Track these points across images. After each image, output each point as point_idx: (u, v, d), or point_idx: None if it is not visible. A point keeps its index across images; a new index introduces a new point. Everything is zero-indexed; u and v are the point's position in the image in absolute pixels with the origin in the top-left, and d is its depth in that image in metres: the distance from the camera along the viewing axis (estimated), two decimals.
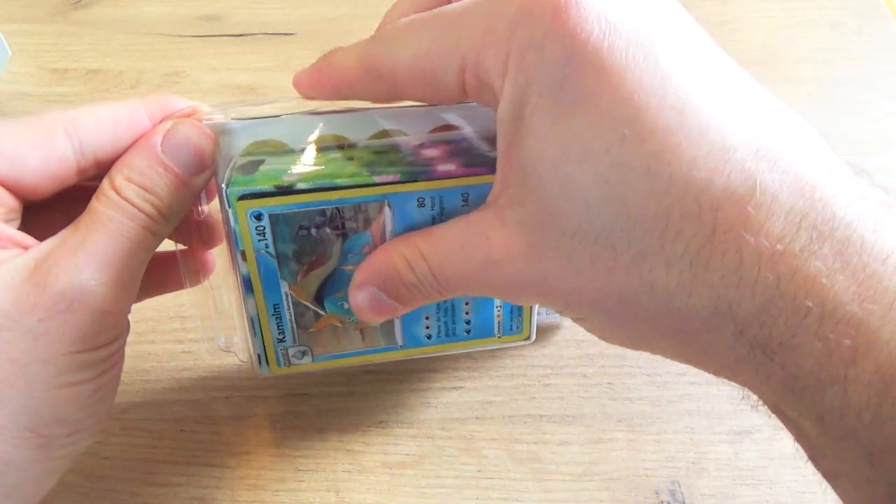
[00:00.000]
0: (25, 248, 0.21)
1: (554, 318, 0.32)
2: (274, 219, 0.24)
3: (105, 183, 0.21)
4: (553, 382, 0.32)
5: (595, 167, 0.17)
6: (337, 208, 0.24)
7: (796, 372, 0.16)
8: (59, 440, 0.21)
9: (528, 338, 0.29)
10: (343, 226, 0.24)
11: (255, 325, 0.26)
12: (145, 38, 0.47)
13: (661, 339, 0.19)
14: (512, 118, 0.19)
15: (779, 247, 0.16)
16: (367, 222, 0.24)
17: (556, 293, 0.20)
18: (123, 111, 0.22)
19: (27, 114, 0.42)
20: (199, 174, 0.22)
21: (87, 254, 0.20)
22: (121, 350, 0.23)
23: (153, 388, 0.31)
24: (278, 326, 0.26)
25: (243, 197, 0.23)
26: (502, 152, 0.20)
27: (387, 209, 0.24)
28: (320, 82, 0.23)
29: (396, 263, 0.22)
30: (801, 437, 0.18)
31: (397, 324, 0.27)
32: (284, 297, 0.25)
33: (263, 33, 0.47)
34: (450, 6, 0.20)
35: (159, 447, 0.30)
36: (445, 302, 0.27)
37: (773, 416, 0.19)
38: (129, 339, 0.33)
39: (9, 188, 0.21)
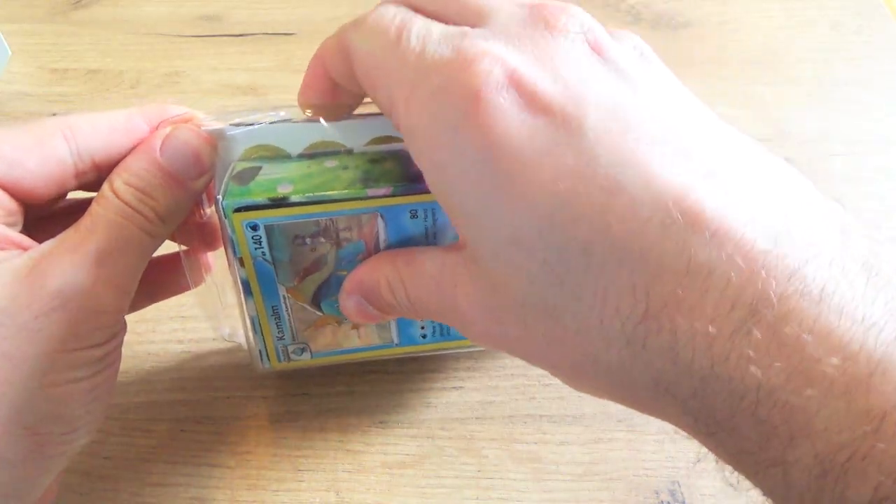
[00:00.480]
0: (25, 249, 0.21)
1: None
2: (269, 230, 0.24)
3: (105, 186, 0.22)
4: (553, 382, 0.32)
5: (531, 249, 0.18)
6: (331, 219, 0.24)
7: (738, 451, 0.16)
8: (55, 438, 0.21)
9: None
10: (337, 235, 0.25)
11: (255, 325, 0.27)
12: (145, 38, 0.47)
13: (620, 401, 0.19)
14: (435, 189, 0.20)
15: (711, 329, 0.16)
16: (361, 232, 0.25)
17: (518, 353, 0.21)
18: (121, 117, 0.23)
19: (27, 114, 0.42)
20: (197, 178, 0.23)
21: (84, 253, 0.21)
22: (117, 349, 0.23)
23: (153, 388, 0.31)
24: (277, 326, 0.27)
25: (238, 209, 0.23)
26: (442, 193, 0.21)
27: (380, 220, 0.24)
28: (314, 74, 0.24)
29: (379, 282, 0.24)
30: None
31: (393, 323, 0.28)
32: (282, 300, 0.26)
33: (263, 33, 0.47)
34: (406, 41, 0.20)
35: (159, 447, 0.30)
36: None
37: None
38: (129, 339, 0.33)
39: (8, 190, 0.21)
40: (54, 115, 0.42)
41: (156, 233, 0.22)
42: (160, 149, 0.22)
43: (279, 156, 0.24)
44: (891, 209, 0.38)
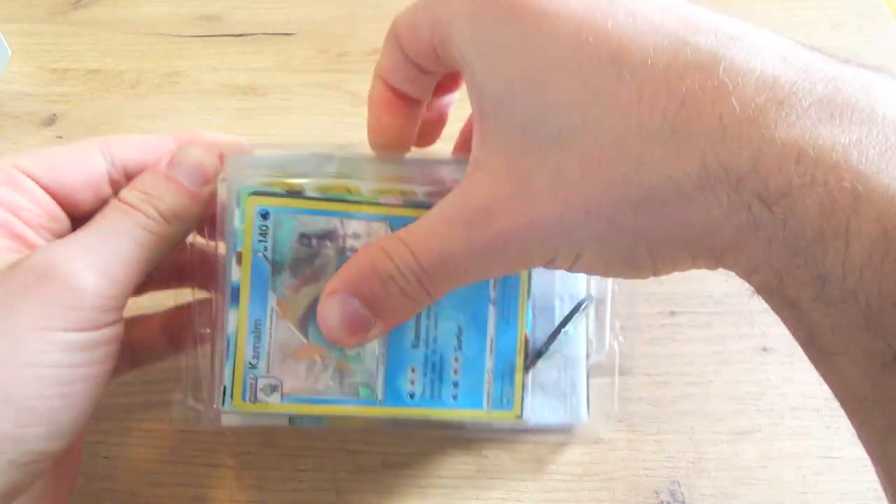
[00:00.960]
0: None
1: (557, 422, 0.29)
2: (278, 222, 0.24)
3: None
4: None
5: (565, 70, 0.18)
6: (340, 221, 0.24)
7: (799, 227, 0.16)
8: (32, 433, 0.20)
9: (520, 417, 0.26)
10: (344, 242, 0.25)
11: (229, 346, 0.24)
12: (145, 38, 0.47)
13: (660, 225, 0.18)
14: (472, 73, 0.20)
15: (757, 101, 0.16)
16: (368, 242, 0.25)
17: (549, 225, 0.19)
18: (153, 137, 0.25)
19: (27, 114, 0.42)
20: (201, 185, 0.24)
21: (74, 240, 0.21)
22: (103, 347, 0.21)
23: (153, 388, 0.31)
24: (254, 349, 0.25)
25: (254, 193, 0.24)
26: (475, 110, 0.21)
27: (388, 229, 0.25)
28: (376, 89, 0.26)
29: (373, 256, 0.21)
30: (798, 319, 0.17)
31: (380, 372, 0.25)
32: (269, 314, 0.25)
33: (263, 33, 0.47)
34: None
35: (159, 447, 0.30)
36: (435, 352, 0.26)
37: (792, 421, 0.18)
38: None
39: (53, 195, 0.23)
40: (54, 115, 0.42)
41: (156, 230, 0.22)
42: (168, 162, 0.24)
43: (292, 189, 0.25)
44: None
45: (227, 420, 0.26)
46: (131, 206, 0.22)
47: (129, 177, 0.24)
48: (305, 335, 0.25)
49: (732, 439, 0.30)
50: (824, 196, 0.15)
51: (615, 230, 0.18)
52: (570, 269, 0.20)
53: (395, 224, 0.25)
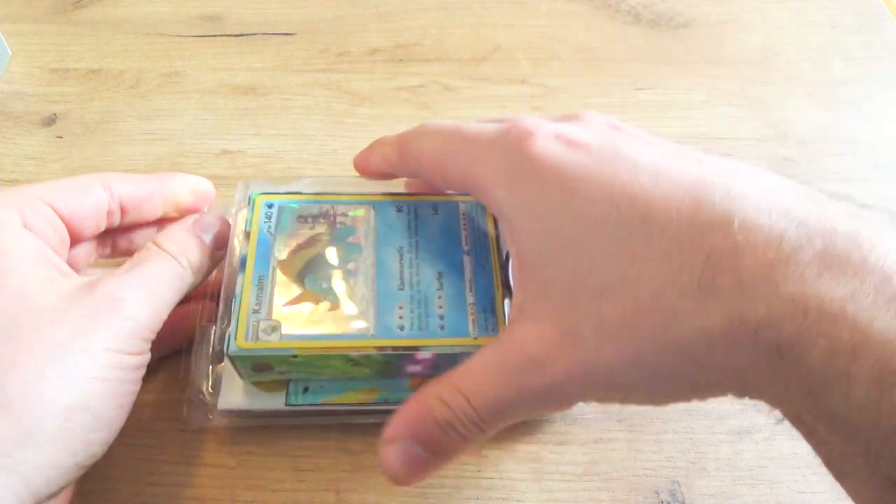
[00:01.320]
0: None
1: None
2: (281, 209, 0.30)
3: (150, 243, 0.27)
4: None
5: (602, 231, 0.21)
6: (332, 205, 0.31)
7: (807, 372, 0.18)
8: (79, 433, 0.23)
9: None
10: (335, 219, 0.30)
11: (236, 301, 0.28)
12: (145, 38, 0.47)
13: (697, 369, 0.20)
14: (512, 228, 0.23)
15: (767, 257, 0.18)
16: (355, 219, 0.30)
17: (597, 373, 0.21)
18: (142, 176, 0.30)
19: (27, 114, 0.42)
20: (219, 248, 0.29)
21: (129, 277, 0.25)
22: (142, 368, 0.25)
23: (153, 388, 0.31)
24: (257, 298, 0.28)
25: (262, 194, 0.31)
26: (515, 258, 0.24)
27: (371, 210, 0.31)
28: (369, 162, 0.30)
29: (430, 403, 0.23)
30: (818, 443, 0.19)
31: (370, 310, 0.28)
32: (271, 271, 0.29)
33: (263, 33, 0.47)
34: (466, 124, 0.26)
35: (159, 447, 0.30)
36: (419, 293, 0.28)
37: (794, 429, 0.20)
38: None
39: (67, 224, 0.27)
40: (54, 115, 0.42)
41: (185, 277, 0.27)
42: (193, 223, 0.29)
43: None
44: (891, 209, 0.38)
45: (225, 402, 0.29)
46: (172, 255, 0.27)
47: (123, 209, 0.29)
48: (301, 286, 0.28)
49: (732, 439, 0.30)
50: (827, 346, 0.17)
51: (658, 374, 0.20)
52: (620, 403, 0.23)
53: (377, 206, 0.31)
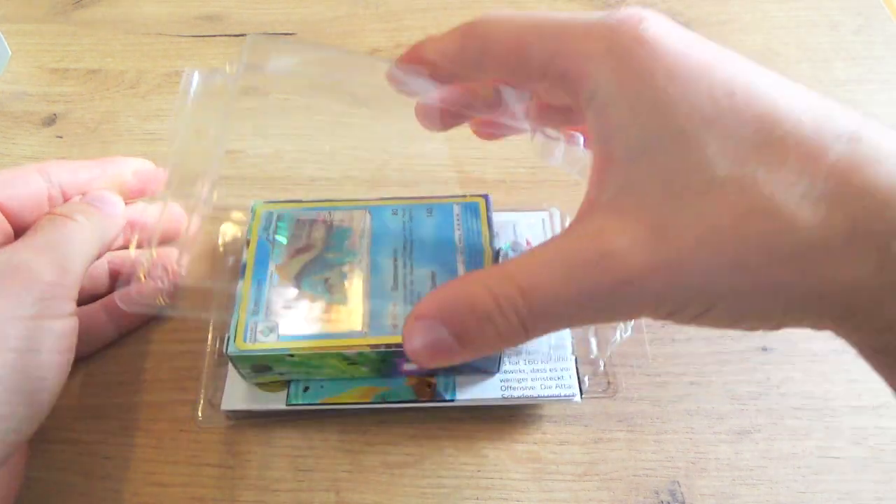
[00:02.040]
0: None
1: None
2: (280, 216, 0.31)
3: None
4: (552, 383, 0.32)
5: (716, 126, 0.19)
6: (329, 212, 0.32)
7: None
8: (18, 413, 0.23)
9: None
10: (331, 224, 0.31)
11: (236, 305, 0.29)
12: (145, 38, 0.47)
13: (806, 282, 0.18)
14: (605, 117, 0.20)
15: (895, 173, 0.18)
16: (352, 222, 0.31)
17: (691, 274, 0.19)
18: (86, 161, 0.30)
19: (27, 114, 0.42)
20: (109, 208, 0.29)
21: (30, 244, 0.26)
22: (67, 336, 0.25)
23: (153, 388, 0.31)
24: (255, 301, 0.29)
25: (265, 203, 0.32)
26: (600, 152, 0.21)
27: (367, 215, 0.32)
28: (421, 52, 0.25)
29: (472, 289, 0.20)
30: None
31: (364, 310, 0.28)
32: (269, 276, 0.29)
33: (263, 33, 0.47)
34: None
35: (159, 447, 0.30)
36: (412, 292, 0.29)
37: (797, 425, 0.19)
38: (129, 338, 0.33)
39: (6, 213, 0.27)
40: (54, 115, 0.42)
41: (88, 231, 0.27)
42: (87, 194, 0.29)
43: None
44: None
45: (228, 403, 0.29)
46: (64, 215, 0.27)
47: (65, 195, 0.29)
48: (298, 288, 0.29)
49: (732, 439, 0.30)
50: None
51: (757, 285, 0.19)
52: (688, 323, 0.20)
53: (373, 211, 0.32)
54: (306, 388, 0.29)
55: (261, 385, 0.30)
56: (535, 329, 0.20)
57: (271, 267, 0.30)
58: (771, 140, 0.19)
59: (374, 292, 0.29)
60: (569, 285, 0.19)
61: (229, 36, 0.47)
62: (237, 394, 0.30)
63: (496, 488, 0.29)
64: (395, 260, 0.30)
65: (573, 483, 0.29)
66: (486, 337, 0.20)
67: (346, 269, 0.30)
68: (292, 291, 0.29)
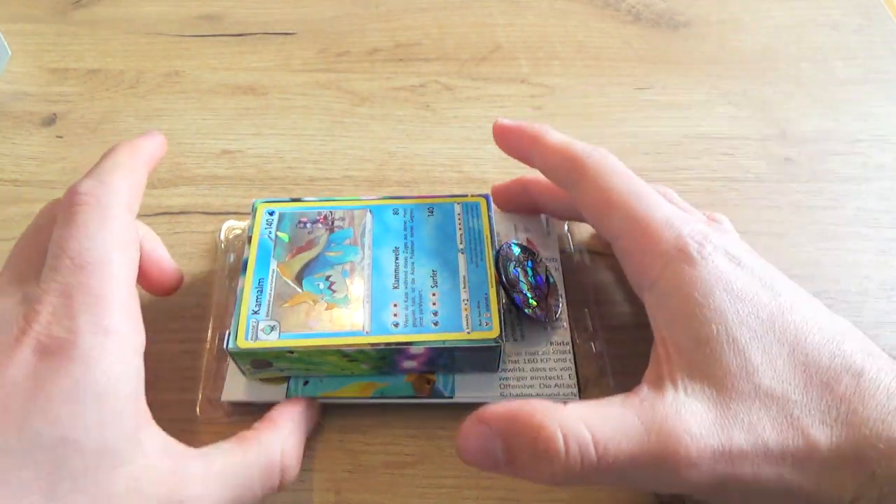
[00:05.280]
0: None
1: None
2: (282, 216, 0.32)
3: (271, 438, 0.27)
4: (553, 382, 0.31)
5: (760, 342, 0.23)
6: (330, 211, 0.32)
7: None
8: None
9: (498, 340, 0.28)
10: (332, 223, 0.32)
11: (238, 302, 0.29)
12: (145, 38, 0.47)
13: (810, 481, 0.22)
14: (677, 299, 0.25)
15: (890, 406, 0.22)
16: (353, 222, 0.32)
17: (741, 467, 0.22)
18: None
19: (27, 114, 0.42)
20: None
21: (212, 497, 0.25)
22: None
23: (153, 387, 0.31)
24: (257, 299, 0.29)
25: (265, 202, 0.32)
26: (664, 333, 0.25)
27: (368, 214, 0.32)
28: (520, 133, 0.31)
29: (544, 424, 0.22)
30: None
31: (365, 309, 0.29)
32: (270, 274, 0.30)
33: (263, 33, 0.47)
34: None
35: None
36: (414, 290, 0.29)
37: None
38: None
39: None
40: (54, 115, 0.42)
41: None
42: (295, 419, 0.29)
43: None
44: (891, 209, 0.38)
45: (228, 394, 0.30)
46: (268, 456, 0.26)
47: None
48: (300, 286, 0.29)
49: None
50: None
51: (779, 486, 0.22)
52: (705, 498, 0.24)
53: (375, 211, 0.32)
54: (306, 383, 0.30)
55: (261, 380, 0.30)
56: (590, 478, 0.22)
57: (273, 264, 0.30)
58: (795, 364, 0.23)
59: (375, 291, 0.29)
60: (643, 450, 0.22)
61: (229, 36, 0.47)
62: (237, 386, 0.30)
63: (496, 488, 0.29)
64: (397, 258, 0.30)
65: None
66: (536, 470, 0.22)
67: (347, 267, 0.30)
68: (294, 290, 0.29)
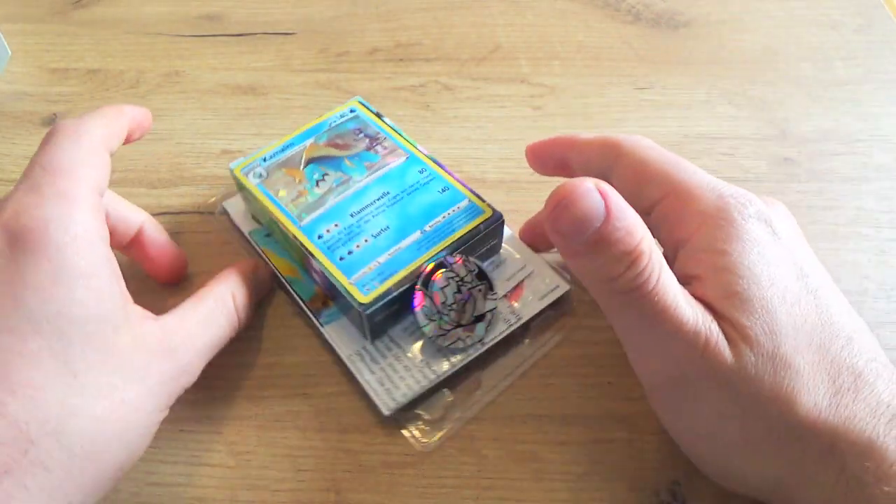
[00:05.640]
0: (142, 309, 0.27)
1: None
2: (356, 118, 0.36)
3: (221, 289, 0.30)
4: (553, 382, 0.32)
5: (805, 312, 0.24)
6: (385, 135, 0.35)
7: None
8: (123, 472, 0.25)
9: (363, 306, 0.29)
10: (375, 146, 0.34)
11: (268, 146, 0.35)
12: (145, 38, 0.47)
13: (799, 474, 0.24)
14: (711, 255, 0.25)
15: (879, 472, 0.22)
16: (388, 156, 0.34)
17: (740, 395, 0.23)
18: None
19: (27, 114, 0.42)
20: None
21: (191, 326, 0.28)
22: None
23: None
24: (274, 153, 0.35)
25: (363, 104, 0.37)
26: (698, 289, 0.25)
27: (403, 157, 0.34)
28: (553, 142, 0.31)
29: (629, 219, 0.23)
30: None
31: (316, 212, 0.32)
32: (301, 145, 0.35)
33: (263, 33, 0.47)
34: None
35: (159, 447, 0.30)
36: (357, 227, 0.31)
37: None
38: None
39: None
40: (54, 115, 0.42)
41: (234, 324, 0.30)
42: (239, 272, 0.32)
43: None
44: (891, 209, 0.38)
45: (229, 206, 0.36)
46: (223, 301, 0.30)
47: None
48: (304, 166, 0.34)
49: None
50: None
51: (773, 465, 0.24)
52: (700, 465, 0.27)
53: (410, 158, 0.34)
54: (268, 235, 0.35)
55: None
56: (640, 300, 0.24)
57: (310, 141, 0.35)
58: (811, 344, 0.24)
59: (336, 206, 0.32)
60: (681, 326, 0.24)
61: (229, 36, 0.47)
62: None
63: (496, 488, 0.29)
64: (377, 200, 0.32)
65: (573, 483, 0.29)
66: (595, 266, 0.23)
67: (344, 178, 0.33)
68: (298, 165, 0.33)
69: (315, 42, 0.47)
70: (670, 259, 0.26)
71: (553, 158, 0.31)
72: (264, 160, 0.34)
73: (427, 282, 0.30)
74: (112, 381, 0.24)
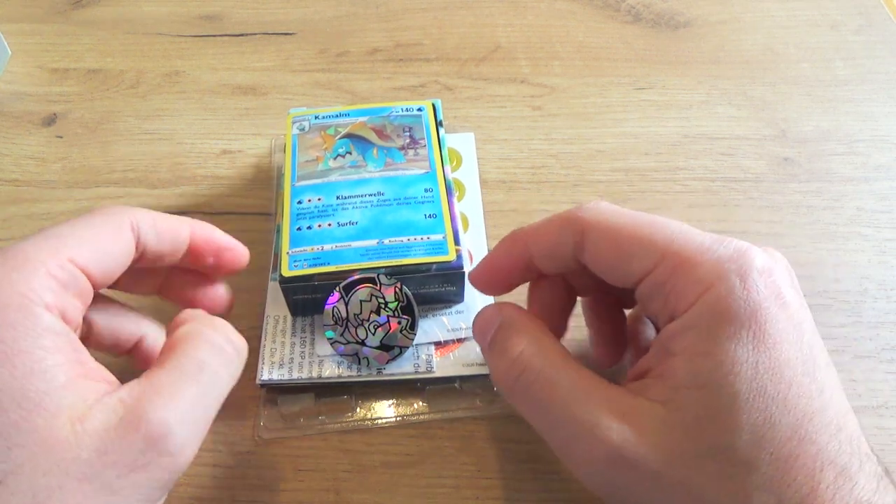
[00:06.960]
0: (108, 383, 0.22)
1: None
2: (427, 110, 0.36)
3: (209, 332, 0.24)
4: None
5: (791, 405, 0.22)
6: (420, 139, 0.35)
7: None
8: None
9: (276, 278, 0.30)
10: (413, 140, 0.35)
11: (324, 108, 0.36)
12: (145, 38, 0.47)
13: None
14: (702, 335, 0.22)
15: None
16: (413, 154, 0.34)
17: (673, 494, 0.22)
18: (174, 222, 0.26)
19: (27, 114, 0.42)
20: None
21: (181, 407, 0.21)
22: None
23: None
24: (312, 119, 0.36)
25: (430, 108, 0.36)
26: (681, 359, 0.23)
27: (426, 165, 0.34)
28: (500, 253, 0.27)
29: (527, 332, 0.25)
30: None
31: (327, 177, 0.33)
32: (347, 121, 0.35)
33: (263, 33, 0.47)
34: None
35: None
36: (340, 204, 0.32)
37: None
38: None
39: (90, 276, 0.23)
40: (54, 115, 0.42)
41: (225, 391, 0.24)
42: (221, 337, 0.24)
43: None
44: (891, 209, 0.38)
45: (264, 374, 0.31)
46: (214, 371, 0.23)
47: (144, 258, 0.25)
48: (336, 137, 0.35)
49: None
50: None
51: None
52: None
53: (432, 170, 0.33)
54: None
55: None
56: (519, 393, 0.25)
57: (357, 120, 0.35)
58: (784, 436, 0.21)
59: (333, 184, 0.33)
60: (590, 452, 0.23)
61: (229, 36, 0.47)
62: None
63: (496, 488, 0.29)
64: (370, 195, 0.32)
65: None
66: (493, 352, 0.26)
67: (361, 162, 0.34)
68: (335, 130, 0.35)
69: (315, 42, 0.47)
70: (659, 333, 0.24)
71: (512, 266, 0.27)
72: (316, 118, 0.35)
73: (349, 287, 0.30)
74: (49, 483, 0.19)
